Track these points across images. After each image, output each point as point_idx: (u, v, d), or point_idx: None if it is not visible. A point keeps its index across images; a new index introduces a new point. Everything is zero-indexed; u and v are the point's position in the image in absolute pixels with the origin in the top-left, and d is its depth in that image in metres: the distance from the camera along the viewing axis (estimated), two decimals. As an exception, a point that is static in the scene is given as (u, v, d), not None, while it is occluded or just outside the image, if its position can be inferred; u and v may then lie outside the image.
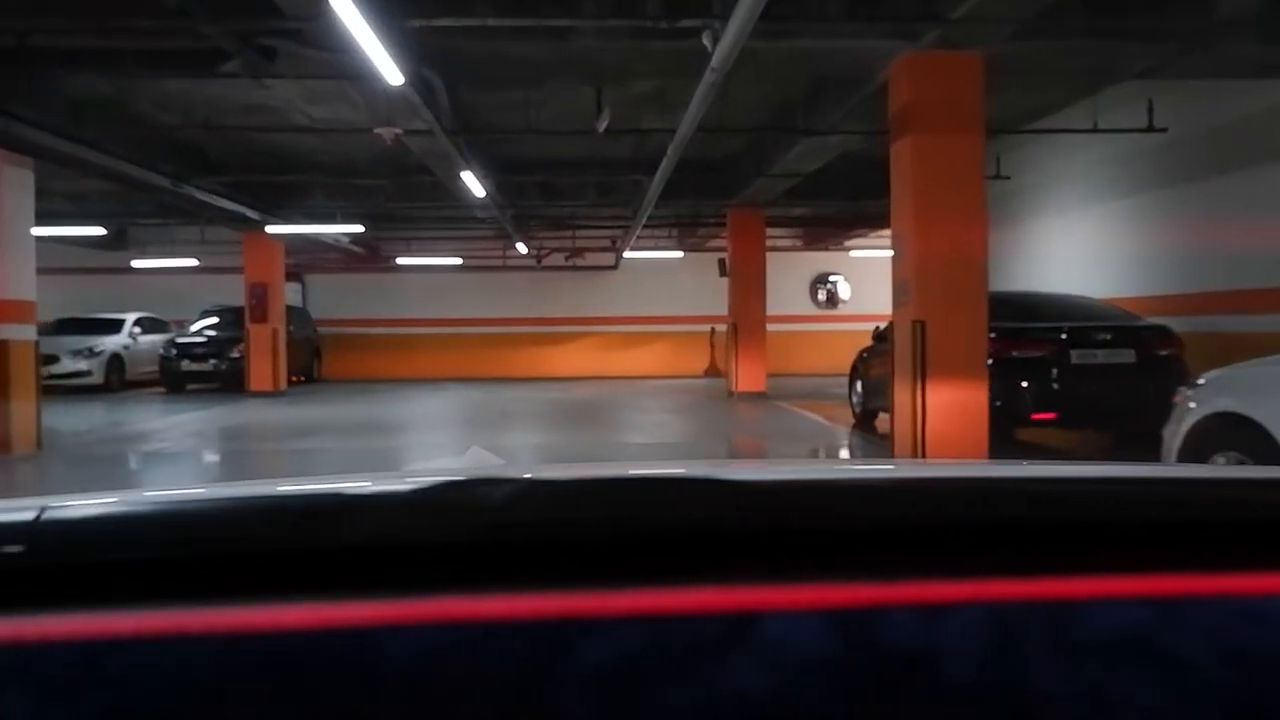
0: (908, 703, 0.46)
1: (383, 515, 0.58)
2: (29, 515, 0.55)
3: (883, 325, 10.48)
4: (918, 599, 0.50)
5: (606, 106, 6.52)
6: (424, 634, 0.47)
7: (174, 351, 15.43)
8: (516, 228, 14.19)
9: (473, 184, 9.11)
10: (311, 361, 17.87)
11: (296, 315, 17.67)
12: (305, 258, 18.33)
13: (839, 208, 15.44)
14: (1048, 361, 7.21)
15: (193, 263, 17.15)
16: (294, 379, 17.00)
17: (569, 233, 17.46)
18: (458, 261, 17.52)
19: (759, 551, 0.56)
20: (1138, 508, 0.62)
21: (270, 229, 12.49)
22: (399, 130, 6.96)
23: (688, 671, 0.46)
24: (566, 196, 13.00)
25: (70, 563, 0.54)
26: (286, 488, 0.77)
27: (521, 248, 15.50)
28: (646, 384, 16.90)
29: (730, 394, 14.10)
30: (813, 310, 19.93)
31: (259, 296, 14.70)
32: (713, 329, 19.23)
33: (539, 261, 18.12)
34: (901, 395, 6.45)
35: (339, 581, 0.52)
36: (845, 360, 20.57)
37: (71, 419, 11.04)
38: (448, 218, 15.87)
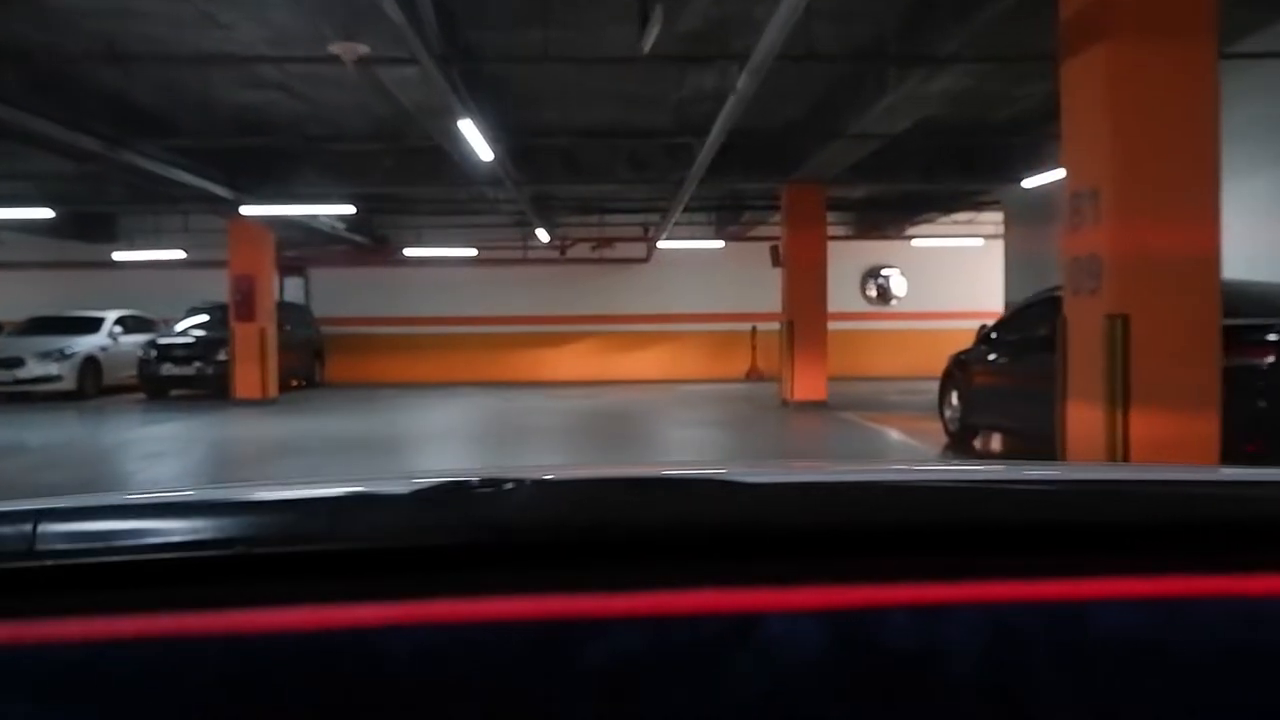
0: (908, 704, 0.47)
1: (385, 517, 0.59)
2: (29, 516, 0.56)
3: (988, 323, 8.58)
4: (918, 600, 0.50)
5: (657, 9, 4.61)
6: (427, 635, 0.48)
7: (153, 354, 13.70)
8: (537, 211, 12.33)
9: (476, 141, 7.24)
10: (313, 364, 16.13)
11: (295, 313, 15.95)
12: (308, 251, 16.60)
13: (906, 191, 13.51)
14: (1260, 373, 5.24)
15: (179, 254, 15.43)
16: (294, 383, 15.33)
17: (596, 218, 15.59)
18: (473, 253, 15.66)
19: (760, 553, 0.56)
20: (1139, 509, 0.62)
21: (246, 210, 10.68)
22: (364, 49, 5.13)
23: (689, 672, 0.47)
24: (594, 173, 11.08)
25: (71, 564, 0.54)
26: (290, 490, 0.76)
27: (543, 235, 13.54)
28: (683, 390, 15.00)
29: (784, 403, 12.16)
30: (863, 307, 17.90)
31: (244, 291, 12.92)
32: (753, 328, 17.31)
33: (563, 253, 16.23)
34: (1083, 421, 4.49)
35: (342, 583, 0.52)
36: (901, 362, 18.13)
37: (9, 432, 9.31)
38: (458, 201, 14.09)
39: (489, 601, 0.49)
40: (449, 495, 0.61)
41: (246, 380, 12.94)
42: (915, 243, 17.16)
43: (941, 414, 8.67)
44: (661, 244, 14.56)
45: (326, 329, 17.18)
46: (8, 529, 0.55)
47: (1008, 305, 11.32)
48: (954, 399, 8.47)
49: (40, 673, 0.46)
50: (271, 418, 11.37)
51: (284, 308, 15.40)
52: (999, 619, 0.49)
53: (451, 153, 8.83)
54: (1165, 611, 0.50)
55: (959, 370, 8.44)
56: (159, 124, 8.74)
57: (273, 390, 13.24)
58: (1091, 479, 0.73)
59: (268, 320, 13.18)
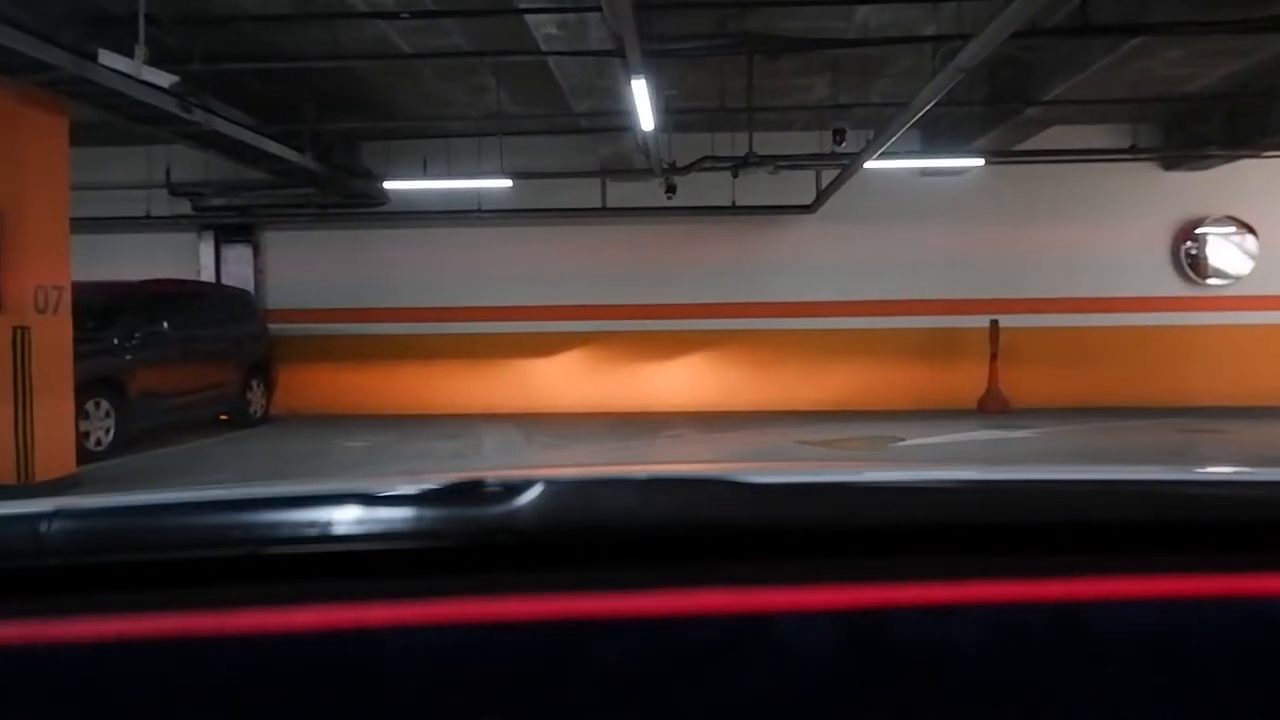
0: (918, 703, 0.47)
1: (393, 517, 0.58)
2: (40, 517, 0.56)
3: None
4: (927, 600, 0.50)
5: None
6: (439, 636, 0.48)
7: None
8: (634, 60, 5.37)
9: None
10: (249, 385, 9.53)
11: (218, 302, 9.44)
12: (255, 198, 10.08)
13: None
14: None
15: None
16: (221, 417, 8.81)
17: (729, 138, 8.58)
18: (506, 183, 8.63)
19: (771, 553, 0.55)
20: (1147, 509, 0.61)
21: None
22: None
23: (698, 672, 0.47)
24: None
25: (81, 564, 0.54)
26: (300, 490, 0.72)
27: (645, 112, 6.06)
28: (896, 429, 7.99)
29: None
30: (1177, 288, 10.54)
31: None
32: (993, 322, 10.18)
33: (669, 191, 9.22)
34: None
35: (353, 583, 0.52)
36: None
37: None
38: (507, 117, 7.27)
39: (500, 602, 0.50)
40: (460, 495, 0.59)
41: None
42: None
43: None
44: (873, 164, 7.48)
45: (285, 327, 10.65)
46: (18, 530, 0.56)
47: None
48: None
49: (51, 673, 0.47)
50: None
51: (211, 293, 8.97)
52: (1009, 619, 0.49)
53: None
54: (1174, 611, 0.50)
55: None
56: None
57: (65, 460, 6.18)
58: (1100, 479, 0.67)
59: (66, 311, 6.37)
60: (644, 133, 6.85)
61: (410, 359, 10.75)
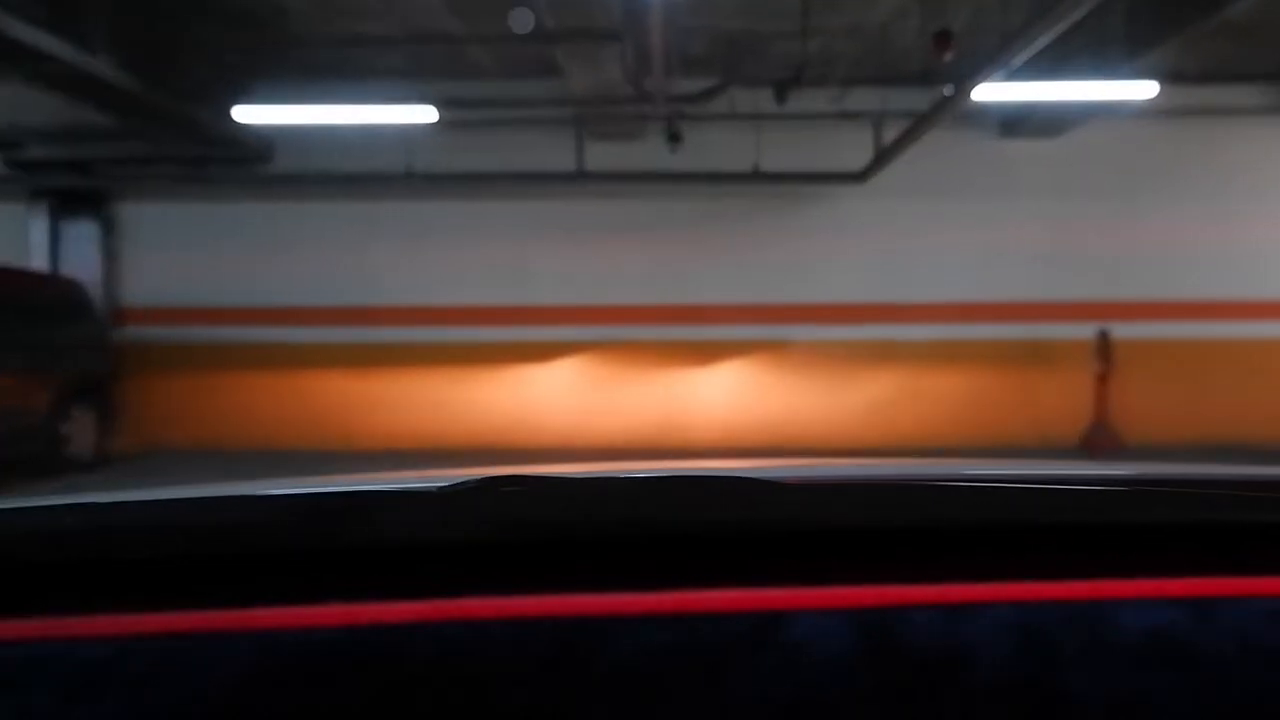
0: (935, 703, 0.46)
1: (411, 515, 0.58)
2: (58, 513, 0.58)
3: None
4: (944, 600, 0.50)
5: None
6: (453, 632, 0.48)
7: None
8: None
9: None
10: (72, 412, 6.66)
11: (34, 298, 6.60)
12: (96, 151, 7.27)
13: None
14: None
15: None
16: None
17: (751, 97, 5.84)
18: (432, 115, 5.82)
19: (786, 551, 0.56)
20: (1165, 509, 0.61)
21: None
22: None
23: (714, 670, 0.47)
24: None
25: (100, 560, 0.54)
26: (316, 487, 0.73)
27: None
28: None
29: None
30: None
31: None
32: (1102, 333, 7.59)
33: (676, 141, 6.48)
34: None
35: (368, 580, 0.52)
36: None
37: None
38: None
39: (515, 599, 0.49)
40: (475, 493, 0.60)
41: None
42: None
43: None
44: (985, 92, 4.82)
45: (147, 332, 7.84)
46: (37, 526, 0.57)
47: None
48: None
49: (69, 669, 0.46)
50: None
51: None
52: (1025, 618, 0.49)
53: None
54: (1192, 611, 0.49)
55: None
56: None
57: None
58: (1118, 478, 0.70)
59: None
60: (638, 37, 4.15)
61: (322, 373, 7.97)
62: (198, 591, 0.51)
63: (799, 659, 0.46)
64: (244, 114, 5.59)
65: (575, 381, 7.98)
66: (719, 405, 7.86)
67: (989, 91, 5.10)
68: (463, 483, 0.60)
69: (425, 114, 5.62)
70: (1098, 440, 7.50)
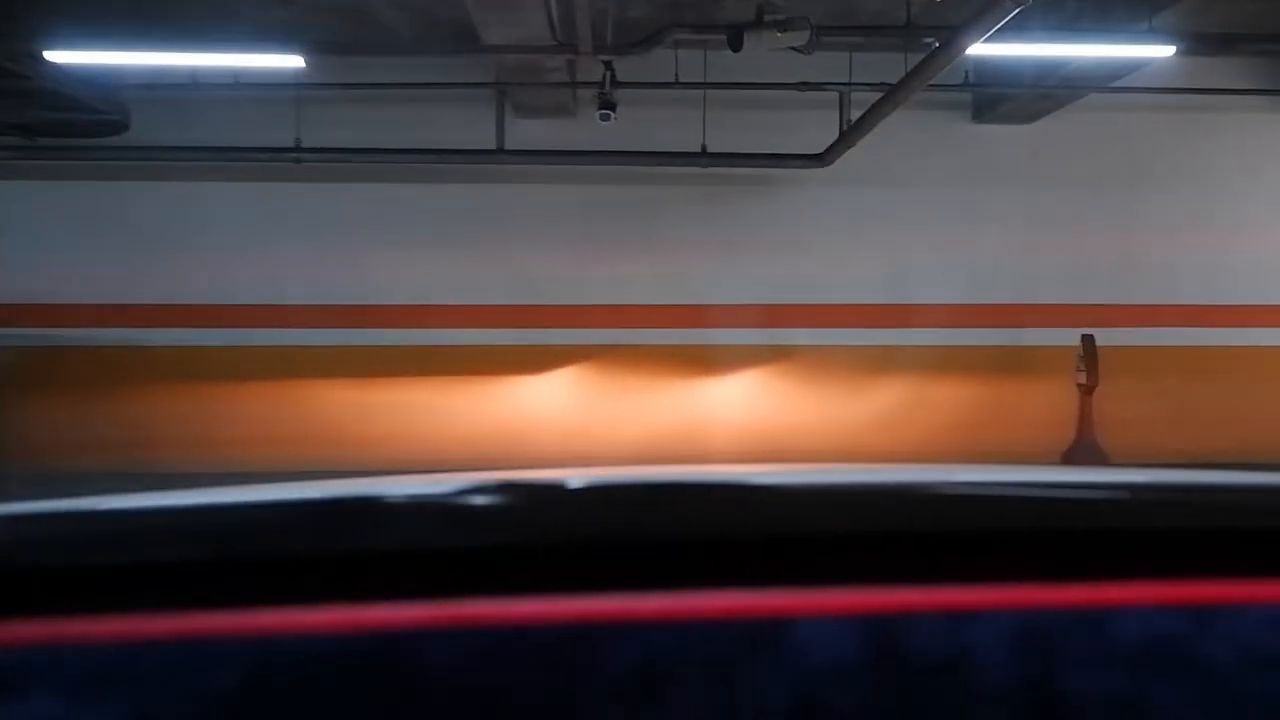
0: (937, 708, 0.46)
1: (413, 519, 0.58)
2: (62, 516, 0.56)
3: None
4: (947, 605, 0.50)
5: None
6: (457, 637, 0.47)
7: None
8: None
9: None
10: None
11: None
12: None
13: None
14: None
15: None
16: None
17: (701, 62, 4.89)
18: (297, 63, 4.69)
19: (789, 556, 0.55)
20: (1168, 514, 0.60)
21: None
22: None
23: (716, 676, 0.47)
24: None
25: (105, 563, 0.53)
26: (321, 491, 0.71)
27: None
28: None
29: None
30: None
31: None
32: (1087, 337, 6.82)
33: (604, 109, 5.47)
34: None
35: (371, 584, 0.51)
36: None
37: None
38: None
39: (518, 603, 0.49)
40: (477, 498, 0.58)
41: None
42: None
43: None
44: (990, 48, 3.95)
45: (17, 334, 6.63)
46: (41, 529, 0.56)
47: None
48: None
49: (73, 672, 0.46)
50: None
51: None
52: (1028, 624, 0.49)
53: None
54: (1195, 617, 0.49)
55: None
56: None
57: None
58: (1120, 483, 0.67)
59: None
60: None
61: (210, 382, 6.82)
62: (200, 595, 0.50)
63: (802, 664, 0.47)
64: (61, 56, 4.48)
65: (480, 387, 6.94)
66: (638, 417, 6.89)
67: (984, 49, 4.23)
68: (465, 487, 0.57)
69: (292, 61, 4.57)
70: (1080, 458, 6.72)
